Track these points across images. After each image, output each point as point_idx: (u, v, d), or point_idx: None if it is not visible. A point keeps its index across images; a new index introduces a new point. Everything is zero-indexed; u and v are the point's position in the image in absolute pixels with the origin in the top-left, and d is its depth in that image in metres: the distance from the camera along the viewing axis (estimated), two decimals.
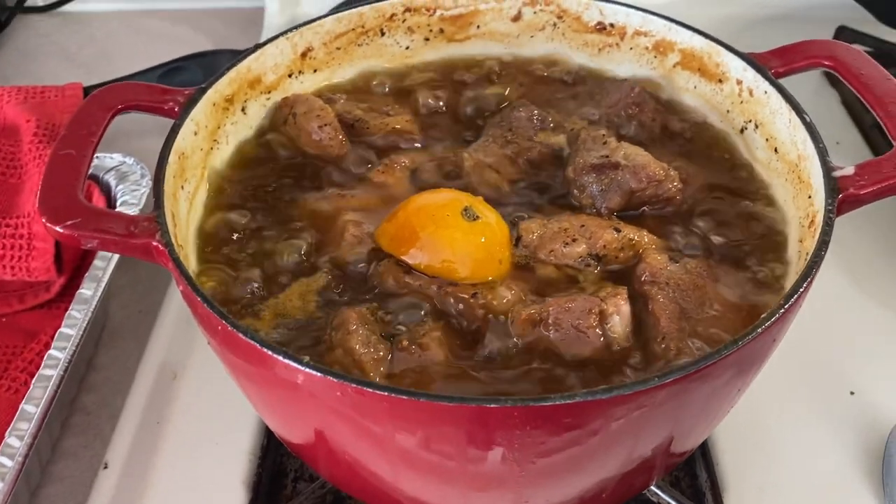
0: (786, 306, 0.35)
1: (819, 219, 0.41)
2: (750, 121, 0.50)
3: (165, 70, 0.79)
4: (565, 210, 0.48)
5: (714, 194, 0.49)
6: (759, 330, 0.34)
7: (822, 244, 0.38)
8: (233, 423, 0.55)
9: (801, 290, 0.36)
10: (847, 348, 0.62)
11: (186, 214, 0.46)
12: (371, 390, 0.32)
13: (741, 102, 0.51)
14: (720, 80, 0.52)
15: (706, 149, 0.53)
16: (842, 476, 0.54)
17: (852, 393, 0.59)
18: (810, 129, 0.45)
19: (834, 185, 0.41)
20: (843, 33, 0.87)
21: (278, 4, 0.94)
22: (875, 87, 0.46)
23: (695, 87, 0.54)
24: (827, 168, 0.42)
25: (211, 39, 0.99)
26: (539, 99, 0.57)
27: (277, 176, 0.51)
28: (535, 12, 0.58)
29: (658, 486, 0.50)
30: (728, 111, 0.52)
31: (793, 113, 0.46)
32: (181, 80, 0.78)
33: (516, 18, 0.58)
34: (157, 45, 0.95)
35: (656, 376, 0.33)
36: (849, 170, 0.42)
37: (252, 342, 0.35)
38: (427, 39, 0.59)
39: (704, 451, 0.55)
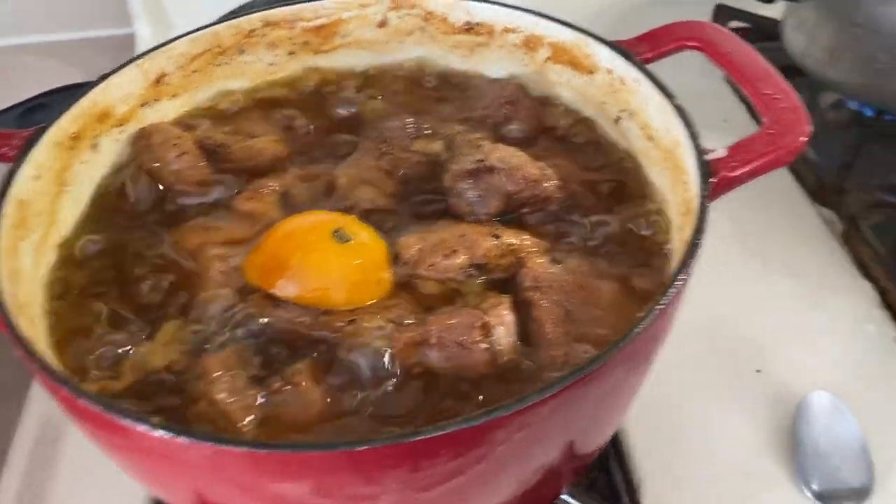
0: (663, 303, 0.34)
1: (695, 205, 0.39)
2: (624, 110, 0.49)
3: (25, 109, 0.73)
4: (447, 220, 0.46)
5: (595, 188, 0.48)
6: (638, 330, 0.33)
7: (698, 232, 0.37)
8: (123, 484, 0.51)
9: (679, 283, 0.35)
10: (750, 325, 0.62)
11: (32, 268, 0.42)
12: (228, 447, 0.30)
13: (614, 92, 0.50)
14: (591, 72, 0.51)
15: (585, 142, 0.51)
16: (755, 457, 0.53)
17: (759, 371, 0.59)
18: (681, 113, 0.44)
19: (707, 170, 0.40)
20: (721, 11, 0.88)
21: (150, 29, 0.89)
22: (742, 65, 0.45)
23: (568, 81, 0.53)
24: (699, 152, 0.41)
25: (83, 71, 0.93)
26: (414, 105, 0.54)
27: (135, 214, 0.47)
28: (400, 17, 0.56)
29: (571, 493, 0.49)
30: (602, 102, 0.51)
31: (663, 98, 0.45)
32: (43, 118, 0.73)
33: (382, 24, 0.56)
34: (25, 82, 0.89)
35: (535, 393, 0.31)
36: (721, 152, 0.41)
37: (96, 407, 0.31)
38: (291, 53, 0.56)
39: (618, 449, 0.54)
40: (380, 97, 0.55)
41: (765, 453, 0.54)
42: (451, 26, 0.55)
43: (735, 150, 0.41)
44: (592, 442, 0.42)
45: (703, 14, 0.90)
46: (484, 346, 0.38)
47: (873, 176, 0.70)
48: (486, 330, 0.39)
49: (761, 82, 0.44)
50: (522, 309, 0.41)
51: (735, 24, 0.88)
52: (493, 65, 0.55)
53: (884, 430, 0.54)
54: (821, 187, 0.72)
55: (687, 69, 0.89)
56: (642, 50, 0.48)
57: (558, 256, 0.43)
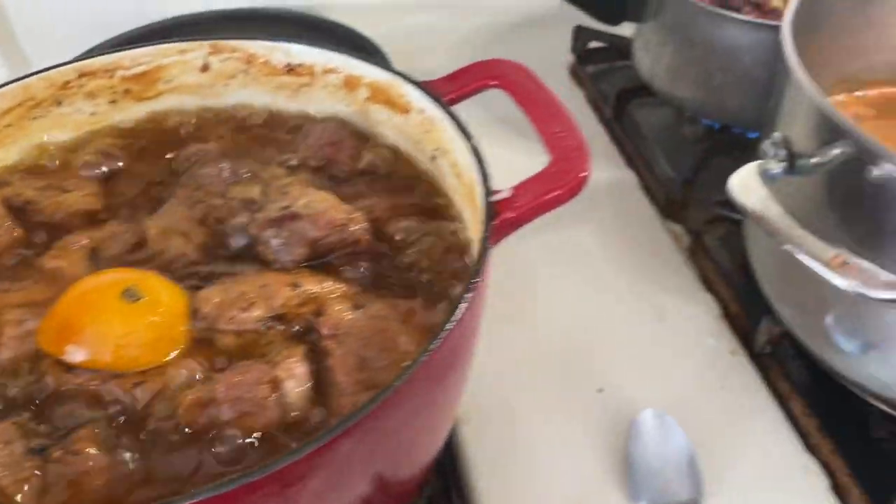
0: (423, 358, 0.34)
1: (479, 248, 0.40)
2: (437, 148, 0.50)
3: None
4: (255, 269, 0.46)
5: (412, 228, 0.49)
6: (397, 384, 0.33)
7: (474, 277, 0.38)
8: None
9: (446, 332, 0.35)
10: (595, 344, 0.63)
11: None
12: None
13: (426, 131, 0.50)
14: (406, 111, 0.52)
15: (406, 181, 0.52)
16: (593, 480, 0.54)
17: (600, 390, 0.60)
18: (476, 154, 0.45)
19: (491, 211, 0.41)
20: (580, 32, 0.90)
21: (6, 71, 0.87)
22: (535, 103, 0.46)
23: (388, 119, 0.53)
24: (487, 192, 0.42)
25: None
26: (240, 149, 0.54)
27: None
28: (222, 61, 0.55)
29: None
30: (419, 140, 0.52)
31: (463, 139, 0.46)
32: None
33: (205, 69, 0.56)
34: None
35: (281, 458, 0.31)
36: (506, 192, 0.42)
37: None
38: (114, 102, 0.55)
39: (458, 477, 0.54)
40: (205, 142, 0.55)
41: (603, 475, 0.55)
42: (274, 68, 0.55)
43: (519, 189, 0.42)
44: (405, 471, 0.42)
45: (565, 35, 0.92)
46: (273, 401, 0.38)
47: (716, 190, 0.72)
48: (275, 385, 0.39)
49: (551, 120, 0.45)
50: (321, 358, 0.41)
51: (594, 44, 0.91)
52: (319, 105, 0.56)
53: (715, 442, 0.56)
54: (669, 202, 0.74)
55: (552, 86, 0.92)
56: (449, 90, 0.49)
57: (362, 301, 0.43)
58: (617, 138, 0.83)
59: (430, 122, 0.50)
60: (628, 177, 0.79)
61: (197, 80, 0.56)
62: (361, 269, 0.46)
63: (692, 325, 0.65)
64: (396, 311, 0.43)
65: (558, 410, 0.59)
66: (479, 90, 0.50)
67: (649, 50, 0.78)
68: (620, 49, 0.87)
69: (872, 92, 0.66)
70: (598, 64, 0.91)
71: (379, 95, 0.53)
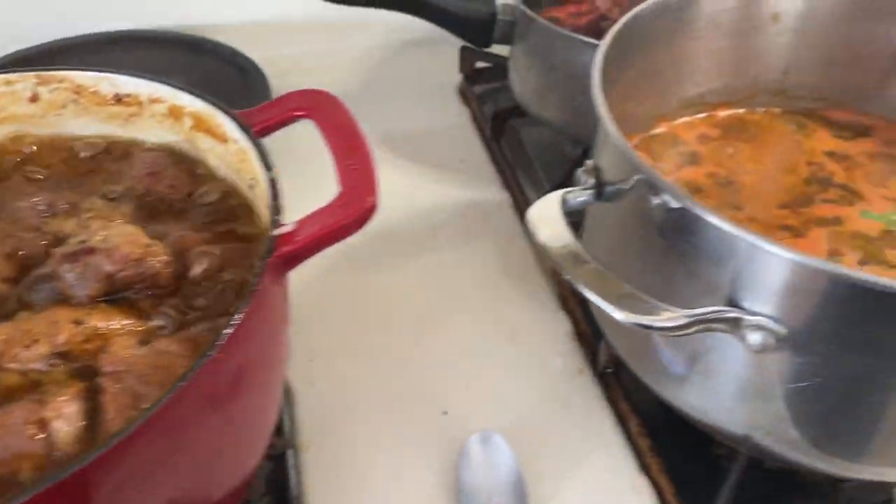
0: (155, 410, 0.34)
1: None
2: (252, 178, 0.50)
3: None
4: (54, 305, 0.45)
5: (221, 261, 0.49)
6: (116, 439, 0.33)
7: (240, 310, 0.38)
8: None
9: (187, 381, 0.35)
10: (445, 366, 0.63)
11: None
12: None
13: (242, 161, 0.51)
14: (225, 140, 0.52)
15: (229, 211, 0.52)
16: (429, 502, 0.55)
17: (445, 413, 0.60)
18: (272, 186, 0.45)
19: (270, 245, 0.41)
20: (466, 52, 0.91)
21: None
22: (337, 135, 0.47)
23: (213, 148, 0.53)
24: (273, 225, 0.42)
25: None
26: (71, 179, 0.54)
27: None
28: (51, 91, 0.55)
29: None
30: (238, 170, 0.52)
31: (264, 170, 0.46)
32: None
33: (34, 99, 0.55)
34: None
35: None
36: (289, 226, 0.42)
37: None
38: None
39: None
40: (33, 173, 0.54)
41: (437, 498, 0.55)
42: (103, 98, 0.55)
43: (303, 223, 0.42)
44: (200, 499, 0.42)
45: (453, 53, 0.92)
46: (39, 441, 0.38)
47: None
48: (43, 425, 0.39)
49: (348, 152, 0.45)
50: (98, 396, 0.41)
51: (480, 64, 0.92)
52: (149, 134, 0.56)
53: (550, 463, 0.57)
54: None
55: (441, 107, 0.92)
56: (259, 120, 0.50)
57: (150, 337, 0.43)
58: (495, 158, 0.83)
59: (243, 152, 0.50)
60: (503, 197, 0.80)
61: (27, 110, 0.56)
62: (161, 304, 0.46)
63: (544, 343, 0.66)
64: (185, 347, 0.43)
65: (402, 433, 0.59)
66: (290, 121, 0.50)
67: (518, 72, 0.79)
68: (501, 66, 0.88)
69: (723, 113, 0.67)
70: (484, 84, 0.92)
71: (201, 125, 0.53)
